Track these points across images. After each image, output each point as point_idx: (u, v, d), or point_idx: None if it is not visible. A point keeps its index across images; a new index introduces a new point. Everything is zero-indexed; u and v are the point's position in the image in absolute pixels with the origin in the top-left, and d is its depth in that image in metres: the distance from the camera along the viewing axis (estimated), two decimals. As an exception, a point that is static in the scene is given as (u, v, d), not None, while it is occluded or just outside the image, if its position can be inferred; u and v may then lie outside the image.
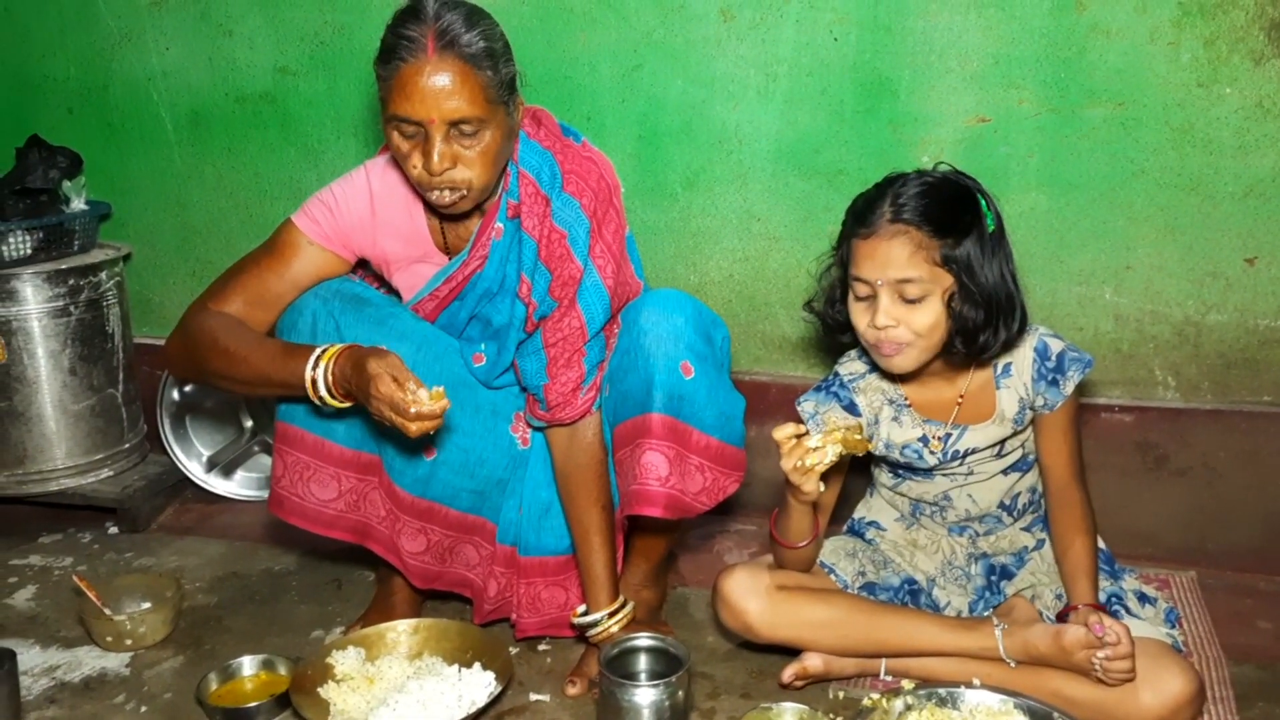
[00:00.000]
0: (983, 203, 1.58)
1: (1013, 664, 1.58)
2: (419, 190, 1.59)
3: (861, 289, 1.58)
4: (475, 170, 1.53)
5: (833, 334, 1.72)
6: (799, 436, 1.51)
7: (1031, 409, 1.67)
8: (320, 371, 1.51)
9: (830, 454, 1.49)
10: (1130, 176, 1.96)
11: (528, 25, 2.13)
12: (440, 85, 1.46)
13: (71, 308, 2.27)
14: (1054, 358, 1.64)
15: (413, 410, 1.43)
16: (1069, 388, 1.64)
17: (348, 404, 1.54)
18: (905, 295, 1.54)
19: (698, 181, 2.17)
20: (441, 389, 1.47)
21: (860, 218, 1.58)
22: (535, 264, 1.63)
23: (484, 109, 1.49)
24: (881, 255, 1.54)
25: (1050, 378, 1.64)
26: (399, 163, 1.57)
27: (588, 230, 1.62)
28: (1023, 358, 1.66)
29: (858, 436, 1.51)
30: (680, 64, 2.10)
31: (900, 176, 1.59)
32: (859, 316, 1.60)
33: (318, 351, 1.53)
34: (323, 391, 1.52)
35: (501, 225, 1.65)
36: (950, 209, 1.55)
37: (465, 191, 1.54)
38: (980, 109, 1.99)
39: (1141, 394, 2.07)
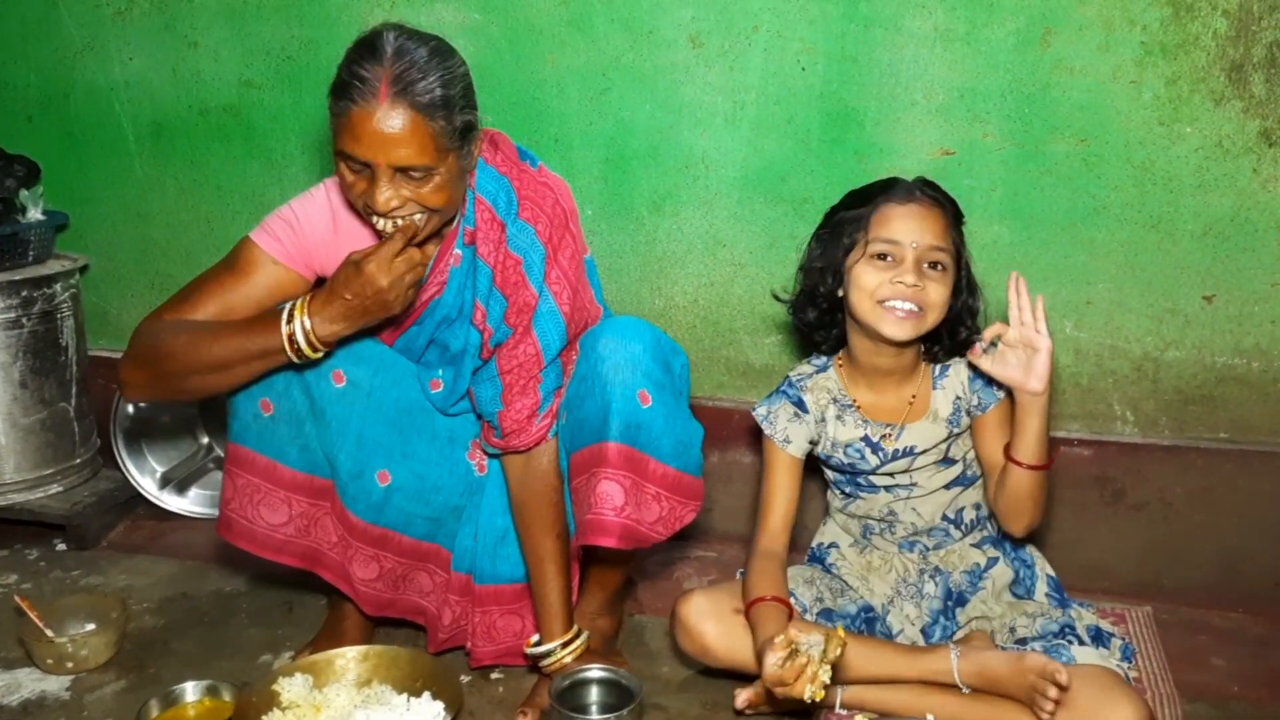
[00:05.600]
0: None
1: (965, 690, 1.59)
2: (364, 218, 1.57)
3: (885, 249, 1.62)
4: (425, 205, 1.49)
5: (805, 311, 1.76)
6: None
7: (968, 412, 1.73)
8: (296, 325, 1.50)
9: (821, 683, 1.39)
10: (1091, 212, 1.98)
11: (496, 46, 2.12)
12: (389, 133, 1.42)
13: (24, 319, 2.23)
14: None
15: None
16: (1002, 389, 1.69)
17: (320, 355, 1.54)
18: (930, 263, 1.62)
19: (664, 206, 2.16)
20: None
21: (888, 190, 1.66)
22: (490, 290, 1.62)
23: (432, 158, 1.46)
24: (918, 220, 1.62)
25: (986, 378, 1.70)
26: (344, 191, 1.55)
27: (543, 257, 1.61)
28: (960, 361, 1.74)
29: (836, 650, 1.41)
30: (648, 89, 2.09)
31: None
32: (872, 277, 1.63)
33: (288, 306, 1.52)
34: (302, 343, 1.50)
35: (460, 252, 1.63)
36: (957, 209, 1.70)
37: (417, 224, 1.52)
38: (945, 141, 2.00)
39: (1100, 428, 2.08)
